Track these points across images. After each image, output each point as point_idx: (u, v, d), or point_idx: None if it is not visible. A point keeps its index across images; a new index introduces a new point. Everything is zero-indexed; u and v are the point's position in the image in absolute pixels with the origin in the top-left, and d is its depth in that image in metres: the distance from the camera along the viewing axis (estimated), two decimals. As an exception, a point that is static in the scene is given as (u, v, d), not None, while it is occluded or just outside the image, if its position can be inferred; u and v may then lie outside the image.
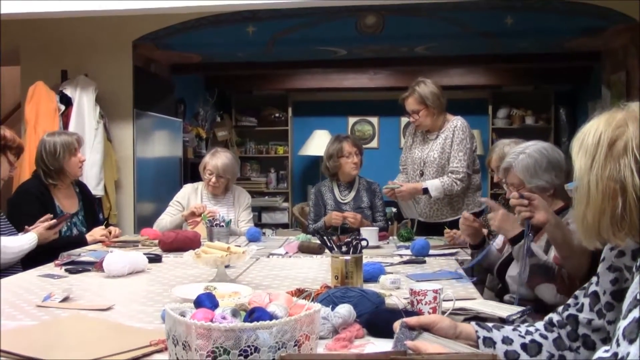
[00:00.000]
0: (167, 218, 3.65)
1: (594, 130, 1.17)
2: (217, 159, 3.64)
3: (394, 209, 5.27)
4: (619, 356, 1.01)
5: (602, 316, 1.26)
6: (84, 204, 3.43)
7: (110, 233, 3.29)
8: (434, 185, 3.41)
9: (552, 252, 2.17)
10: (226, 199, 3.78)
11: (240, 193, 3.85)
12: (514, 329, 1.35)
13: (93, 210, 3.55)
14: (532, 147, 2.30)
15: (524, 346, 1.31)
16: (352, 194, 3.74)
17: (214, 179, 3.64)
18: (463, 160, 3.41)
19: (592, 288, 1.30)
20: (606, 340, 1.26)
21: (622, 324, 1.03)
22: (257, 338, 1.13)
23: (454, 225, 3.28)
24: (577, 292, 1.36)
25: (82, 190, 3.49)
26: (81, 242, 3.18)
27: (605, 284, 1.25)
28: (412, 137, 3.70)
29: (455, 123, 3.49)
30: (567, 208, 2.29)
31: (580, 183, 1.16)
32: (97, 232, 3.26)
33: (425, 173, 3.53)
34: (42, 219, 2.90)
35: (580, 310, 1.31)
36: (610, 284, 1.24)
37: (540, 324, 1.38)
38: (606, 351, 1.05)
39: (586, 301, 1.31)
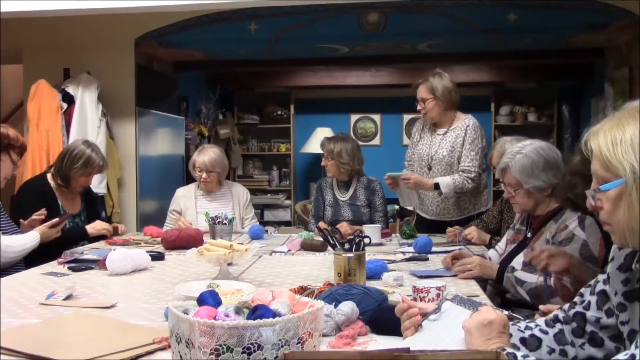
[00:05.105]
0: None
1: (630, 124, 1.10)
2: (204, 155, 3.69)
3: (397, 207, 5.27)
4: (636, 358, 1.01)
5: (612, 315, 1.25)
6: (87, 205, 3.45)
7: (115, 229, 3.34)
8: (446, 181, 3.38)
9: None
10: (221, 194, 3.80)
11: (237, 189, 3.87)
12: (513, 324, 1.34)
13: (96, 211, 3.56)
14: (529, 147, 2.28)
15: (522, 340, 1.31)
16: (350, 193, 3.75)
17: (204, 175, 3.67)
18: (475, 159, 3.40)
19: (600, 287, 1.29)
20: (614, 337, 1.26)
21: None
22: (260, 335, 1.13)
23: (460, 224, 3.29)
24: (582, 290, 1.35)
25: (85, 192, 3.49)
26: (83, 235, 3.20)
27: (617, 285, 1.23)
28: (420, 132, 3.67)
29: (468, 122, 3.47)
30: (562, 209, 2.28)
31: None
32: (99, 224, 3.27)
33: (432, 169, 3.52)
34: (37, 213, 2.90)
35: (587, 308, 1.30)
36: (621, 284, 1.22)
37: (540, 321, 1.38)
38: (626, 354, 1.04)
39: (593, 299, 1.30)
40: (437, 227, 3.46)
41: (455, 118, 3.52)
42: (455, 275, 2.28)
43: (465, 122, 3.48)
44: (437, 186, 3.38)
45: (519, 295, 2.15)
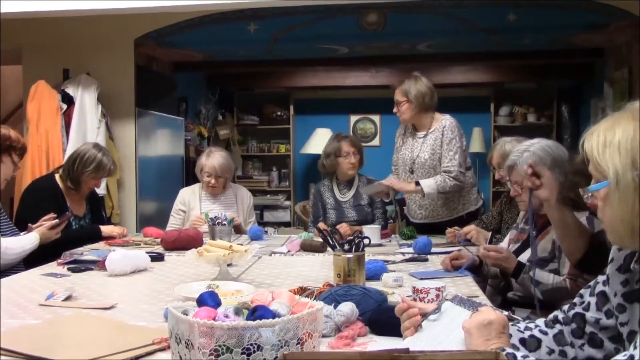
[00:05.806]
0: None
1: (622, 126, 1.11)
2: (213, 160, 3.65)
3: (397, 207, 5.27)
4: (635, 358, 1.01)
5: (611, 316, 1.25)
6: (91, 207, 3.46)
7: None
8: (427, 182, 3.41)
9: (566, 265, 2.17)
10: (225, 196, 3.79)
11: (241, 191, 3.85)
12: (512, 324, 1.34)
13: (99, 214, 3.57)
14: (537, 145, 2.29)
15: (522, 341, 1.31)
16: (352, 192, 3.76)
17: (213, 181, 3.65)
18: (454, 159, 3.41)
19: (600, 288, 1.29)
20: (614, 338, 1.26)
21: None
22: (260, 336, 1.13)
23: (451, 225, 3.30)
24: (582, 291, 1.35)
25: (90, 194, 3.49)
26: (97, 235, 3.23)
27: (616, 286, 1.23)
28: (402, 137, 3.70)
29: (444, 123, 3.48)
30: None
31: (623, 182, 1.08)
32: (112, 226, 3.36)
33: (415, 172, 3.53)
34: (45, 218, 2.89)
35: (587, 309, 1.30)
36: (621, 285, 1.22)
37: (540, 321, 1.38)
38: (625, 355, 1.05)
39: (593, 300, 1.30)
40: (429, 229, 3.47)
41: (434, 120, 3.54)
42: (457, 276, 2.28)
43: (442, 123, 3.49)
44: (418, 184, 3.41)
45: (533, 294, 2.13)
